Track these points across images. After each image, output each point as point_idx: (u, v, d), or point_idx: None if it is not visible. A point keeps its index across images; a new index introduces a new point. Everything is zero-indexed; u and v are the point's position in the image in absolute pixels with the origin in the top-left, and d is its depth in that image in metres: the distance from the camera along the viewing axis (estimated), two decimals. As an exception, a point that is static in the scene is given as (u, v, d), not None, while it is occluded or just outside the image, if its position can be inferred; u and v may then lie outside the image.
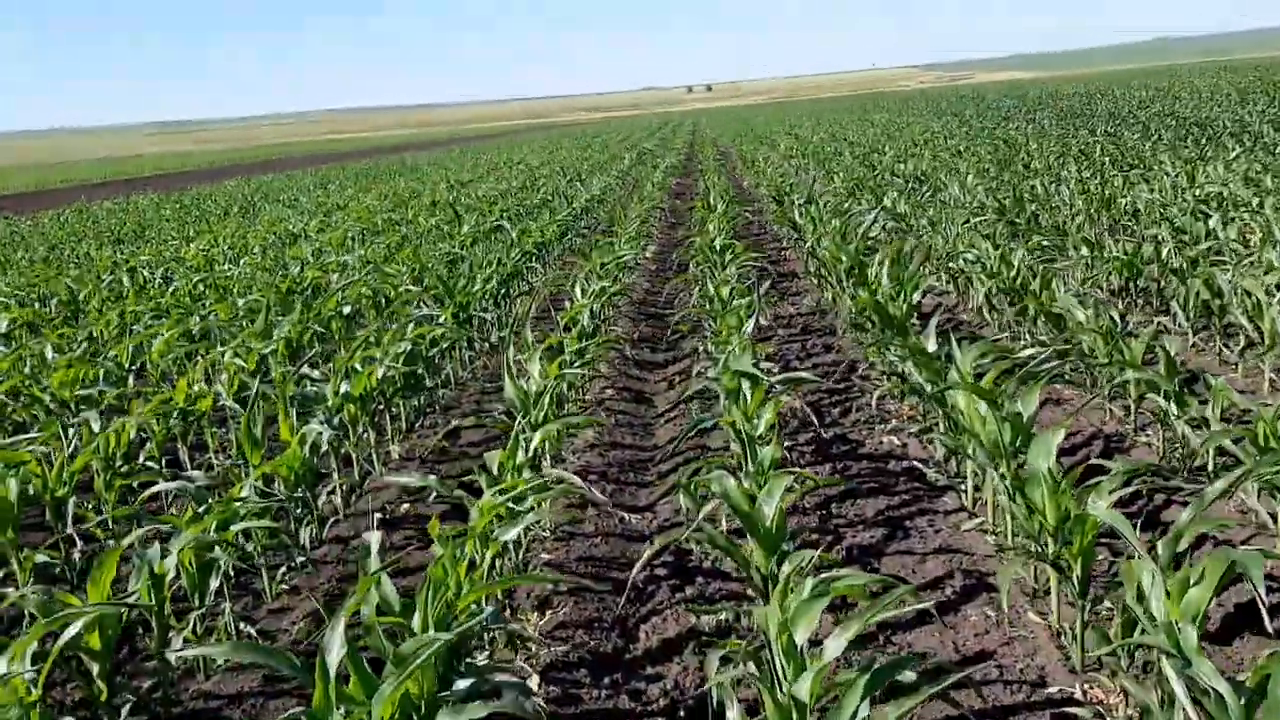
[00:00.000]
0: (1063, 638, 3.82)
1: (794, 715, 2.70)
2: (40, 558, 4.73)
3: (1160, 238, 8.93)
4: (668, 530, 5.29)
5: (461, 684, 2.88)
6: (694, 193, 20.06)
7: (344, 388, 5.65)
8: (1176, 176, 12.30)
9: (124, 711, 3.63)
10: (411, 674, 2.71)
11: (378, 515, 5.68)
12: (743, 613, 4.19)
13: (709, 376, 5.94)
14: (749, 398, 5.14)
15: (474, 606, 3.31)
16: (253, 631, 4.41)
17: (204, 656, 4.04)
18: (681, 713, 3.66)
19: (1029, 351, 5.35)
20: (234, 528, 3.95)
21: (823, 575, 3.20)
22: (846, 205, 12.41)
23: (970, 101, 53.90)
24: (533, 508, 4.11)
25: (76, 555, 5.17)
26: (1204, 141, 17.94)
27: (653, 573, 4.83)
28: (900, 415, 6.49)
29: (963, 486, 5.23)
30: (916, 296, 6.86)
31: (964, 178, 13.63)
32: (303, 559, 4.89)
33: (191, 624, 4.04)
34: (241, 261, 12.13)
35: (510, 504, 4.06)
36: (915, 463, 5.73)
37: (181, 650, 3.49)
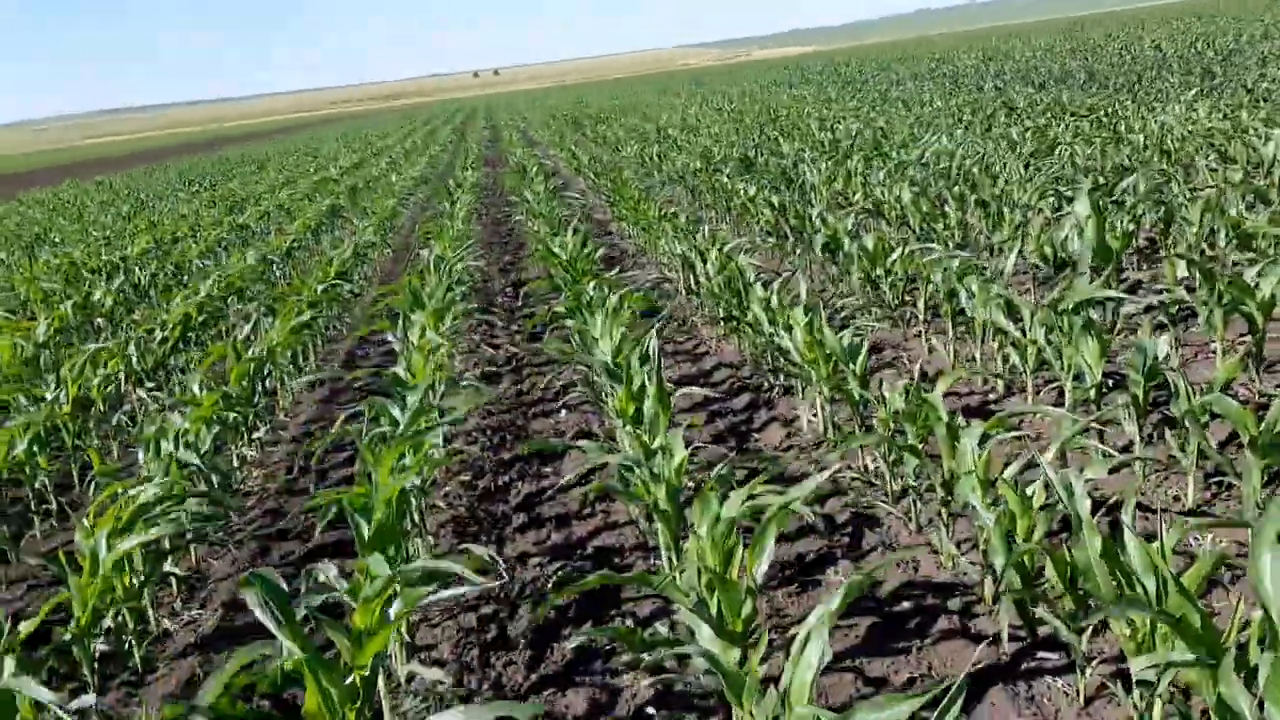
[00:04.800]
0: None
1: None
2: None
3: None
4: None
5: None
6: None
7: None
8: (1158, 116, 12.78)
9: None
10: None
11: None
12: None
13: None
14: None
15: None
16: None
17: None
18: None
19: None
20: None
21: None
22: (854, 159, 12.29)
23: (800, 72, 55.02)
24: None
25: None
26: (1114, 88, 18.78)
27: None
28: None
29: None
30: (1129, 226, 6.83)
31: (950, 131, 13.76)
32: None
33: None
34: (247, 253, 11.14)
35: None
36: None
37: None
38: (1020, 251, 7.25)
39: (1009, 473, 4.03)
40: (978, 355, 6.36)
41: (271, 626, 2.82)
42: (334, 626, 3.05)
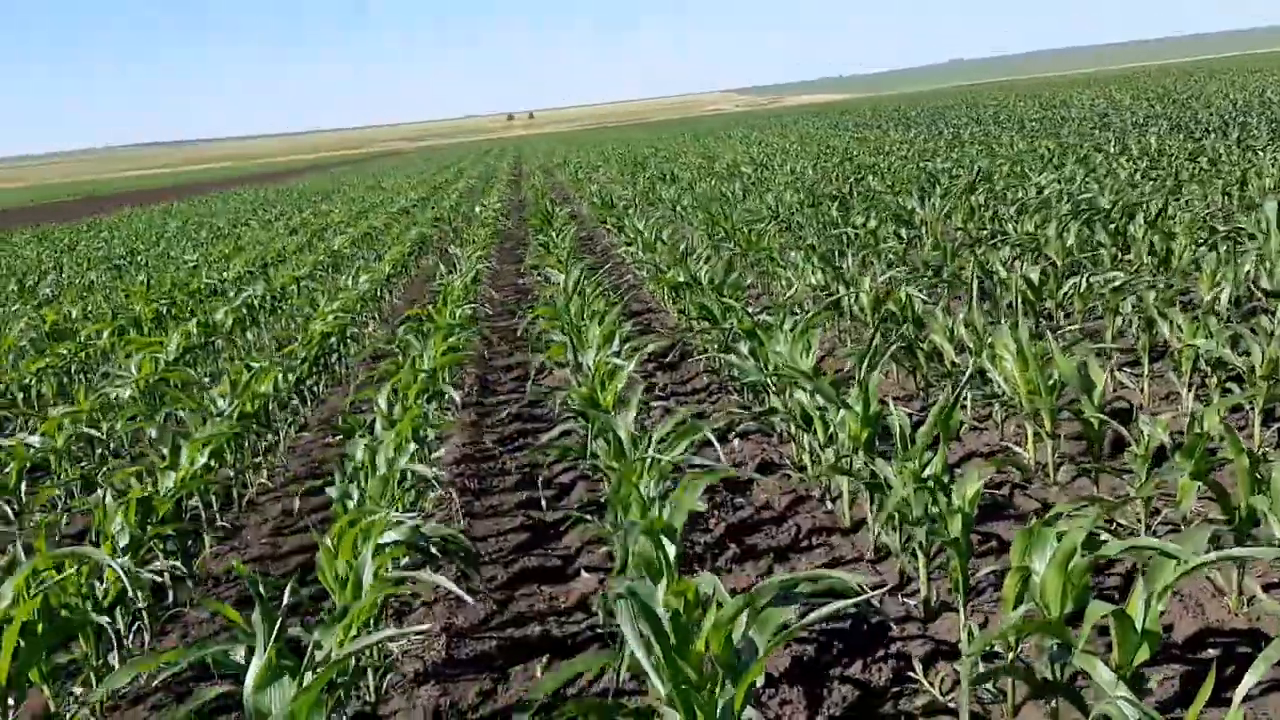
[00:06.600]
0: None
1: None
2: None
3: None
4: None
5: None
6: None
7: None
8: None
9: None
10: None
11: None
12: None
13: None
14: None
15: None
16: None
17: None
18: None
19: None
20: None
21: None
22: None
23: (853, 115, 55.05)
24: None
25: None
26: (1201, 135, 18.49)
27: None
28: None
29: None
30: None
31: (1059, 169, 13.51)
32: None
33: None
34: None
35: None
36: None
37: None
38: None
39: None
40: (1183, 391, 6.04)
41: (640, 654, 2.53)
42: (683, 657, 2.75)
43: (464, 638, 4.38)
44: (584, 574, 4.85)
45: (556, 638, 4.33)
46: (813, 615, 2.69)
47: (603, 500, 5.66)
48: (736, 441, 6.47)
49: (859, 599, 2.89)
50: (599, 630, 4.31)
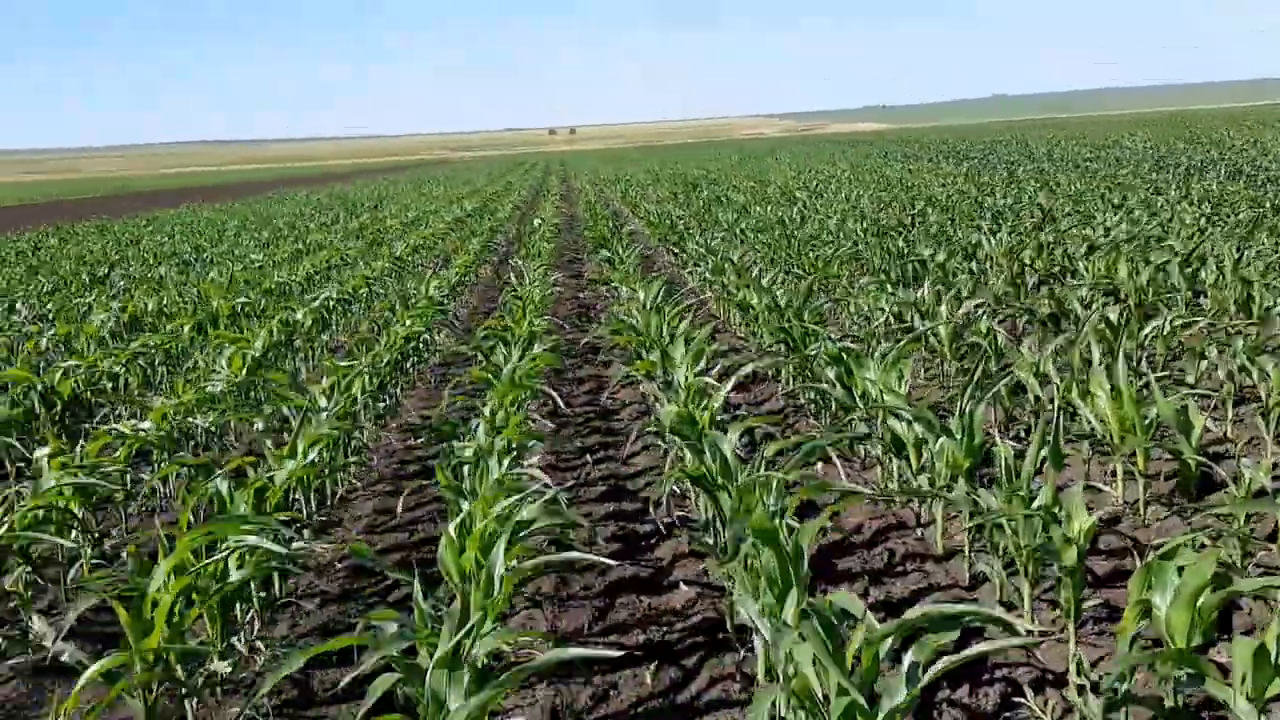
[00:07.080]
0: None
1: None
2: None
3: None
4: None
5: None
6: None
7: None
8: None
9: None
10: None
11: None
12: None
13: None
14: None
15: None
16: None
17: None
18: None
19: None
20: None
21: None
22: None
23: (900, 146, 55.10)
24: None
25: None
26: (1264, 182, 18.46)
27: None
28: None
29: None
30: None
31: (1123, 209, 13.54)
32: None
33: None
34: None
35: None
36: None
37: None
38: None
39: None
40: (1268, 437, 6.08)
41: (829, 662, 2.62)
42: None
43: (568, 641, 4.49)
44: (682, 586, 4.96)
45: (660, 644, 4.44)
46: (968, 651, 2.79)
47: (692, 516, 5.79)
48: (820, 465, 6.56)
49: (1020, 641, 2.98)
50: (701, 640, 4.43)
